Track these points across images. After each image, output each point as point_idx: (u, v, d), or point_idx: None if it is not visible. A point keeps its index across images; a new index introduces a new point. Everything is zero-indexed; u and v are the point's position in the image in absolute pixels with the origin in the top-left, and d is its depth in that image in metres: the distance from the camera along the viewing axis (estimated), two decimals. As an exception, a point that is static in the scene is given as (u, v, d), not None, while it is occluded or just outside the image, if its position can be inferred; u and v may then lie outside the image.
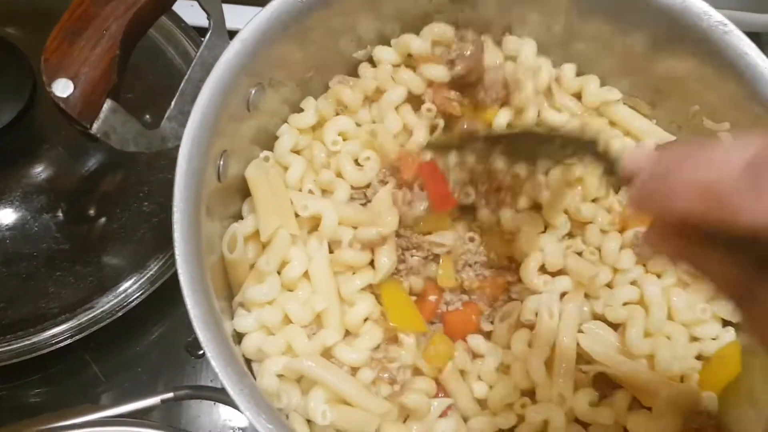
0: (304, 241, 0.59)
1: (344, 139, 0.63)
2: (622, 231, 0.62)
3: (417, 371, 0.59)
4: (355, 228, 0.59)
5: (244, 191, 0.60)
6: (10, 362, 0.63)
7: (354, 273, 0.59)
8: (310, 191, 0.61)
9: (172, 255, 0.67)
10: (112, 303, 0.65)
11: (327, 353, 0.56)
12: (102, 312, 0.65)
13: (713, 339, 0.60)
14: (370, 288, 0.59)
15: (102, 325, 0.65)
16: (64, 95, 0.48)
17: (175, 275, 0.66)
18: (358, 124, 0.64)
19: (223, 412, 0.70)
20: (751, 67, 0.57)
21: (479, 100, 0.64)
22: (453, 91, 0.63)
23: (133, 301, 0.66)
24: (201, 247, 0.51)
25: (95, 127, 0.50)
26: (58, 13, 0.71)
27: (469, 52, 0.62)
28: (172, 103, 0.55)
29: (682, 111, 0.64)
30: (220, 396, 0.56)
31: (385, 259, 0.58)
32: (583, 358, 0.59)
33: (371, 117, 0.65)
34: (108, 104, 0.50)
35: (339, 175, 0.62)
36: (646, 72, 0.65)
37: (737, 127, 0.60)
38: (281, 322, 0.56)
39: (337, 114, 0.65)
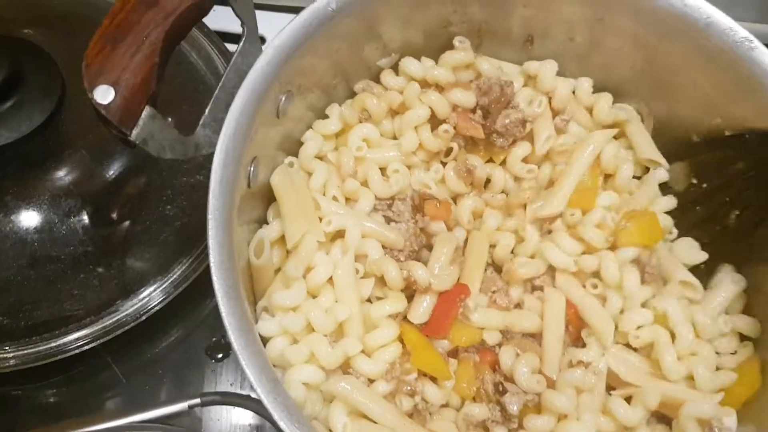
0: (328, 248, 0.59)
1: (368, 146, 0.63)
2: (613, 249, 0.62)
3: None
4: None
5: (267, 196, 0.61)
6: (35, 364, 0.63)
7: (386, 297, 0.59)
8: (335, 198, 0.61)
9: (195, 259, 0.68)
10: (136, 306, 0.66)
11: (345, 363, 0.56)
12: (126, 315, 0.65)
13: (732, 354, 0.60)
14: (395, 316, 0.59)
15: (126, 328, 0.65)
16: (105, 102, 0.48)
17: (196, 279, 0.68)
18: (381, 134, 0.65)
19: (243, 415, 0.70)
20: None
21: (496, 141, 0.64)
22: (478, 113, 0.64)
23: (156, 305, 0.66)
24: (233, 254, 0.51)
25: (134, 134, 0.50)
26: (78, 16, 0.71)
27: (495, 95, 0.63)
28: (206, 110, 0.55)
29: (703, 123, 0.64)
30: (247, 403, 0.57)
31: (424, 307, 0.58)
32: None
33: (393, 128, 0.66)
34: (147, 111, 0.50)
35: (364, 183, 0.62)
36: (667, 84, 0.65)
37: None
38: (304, 329, 0.56)
39: (361, 122, 0.65)
